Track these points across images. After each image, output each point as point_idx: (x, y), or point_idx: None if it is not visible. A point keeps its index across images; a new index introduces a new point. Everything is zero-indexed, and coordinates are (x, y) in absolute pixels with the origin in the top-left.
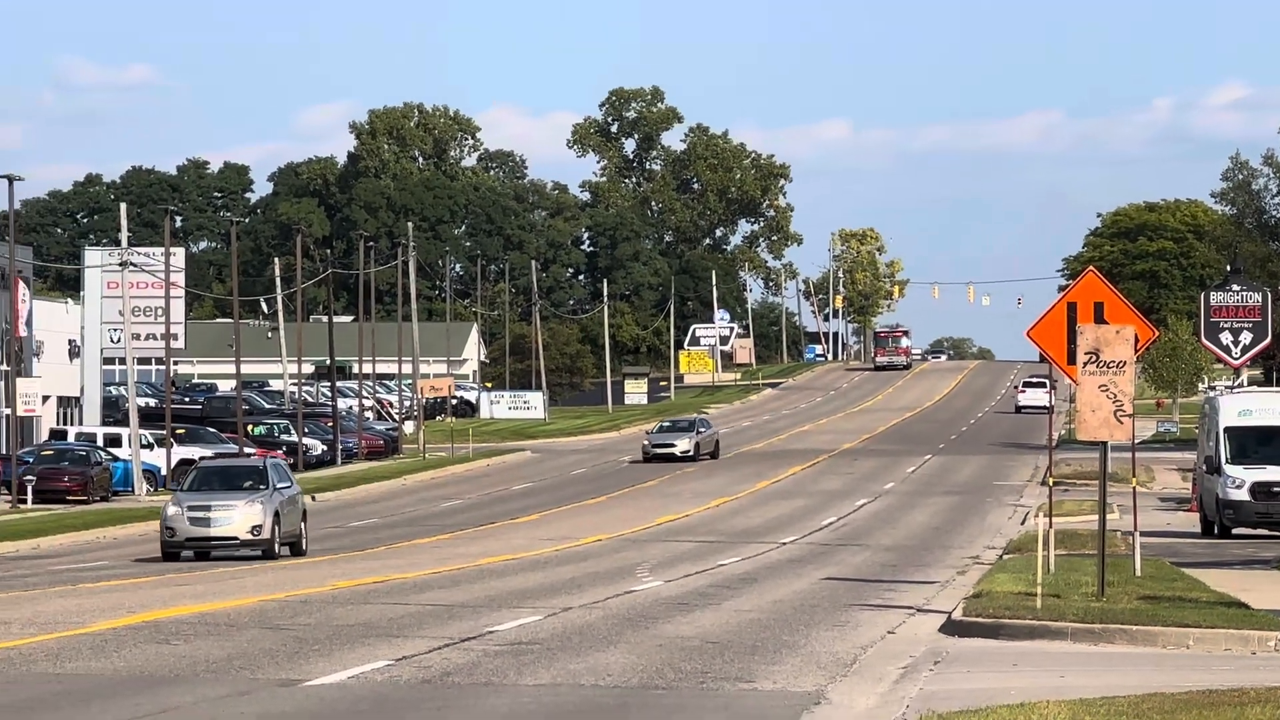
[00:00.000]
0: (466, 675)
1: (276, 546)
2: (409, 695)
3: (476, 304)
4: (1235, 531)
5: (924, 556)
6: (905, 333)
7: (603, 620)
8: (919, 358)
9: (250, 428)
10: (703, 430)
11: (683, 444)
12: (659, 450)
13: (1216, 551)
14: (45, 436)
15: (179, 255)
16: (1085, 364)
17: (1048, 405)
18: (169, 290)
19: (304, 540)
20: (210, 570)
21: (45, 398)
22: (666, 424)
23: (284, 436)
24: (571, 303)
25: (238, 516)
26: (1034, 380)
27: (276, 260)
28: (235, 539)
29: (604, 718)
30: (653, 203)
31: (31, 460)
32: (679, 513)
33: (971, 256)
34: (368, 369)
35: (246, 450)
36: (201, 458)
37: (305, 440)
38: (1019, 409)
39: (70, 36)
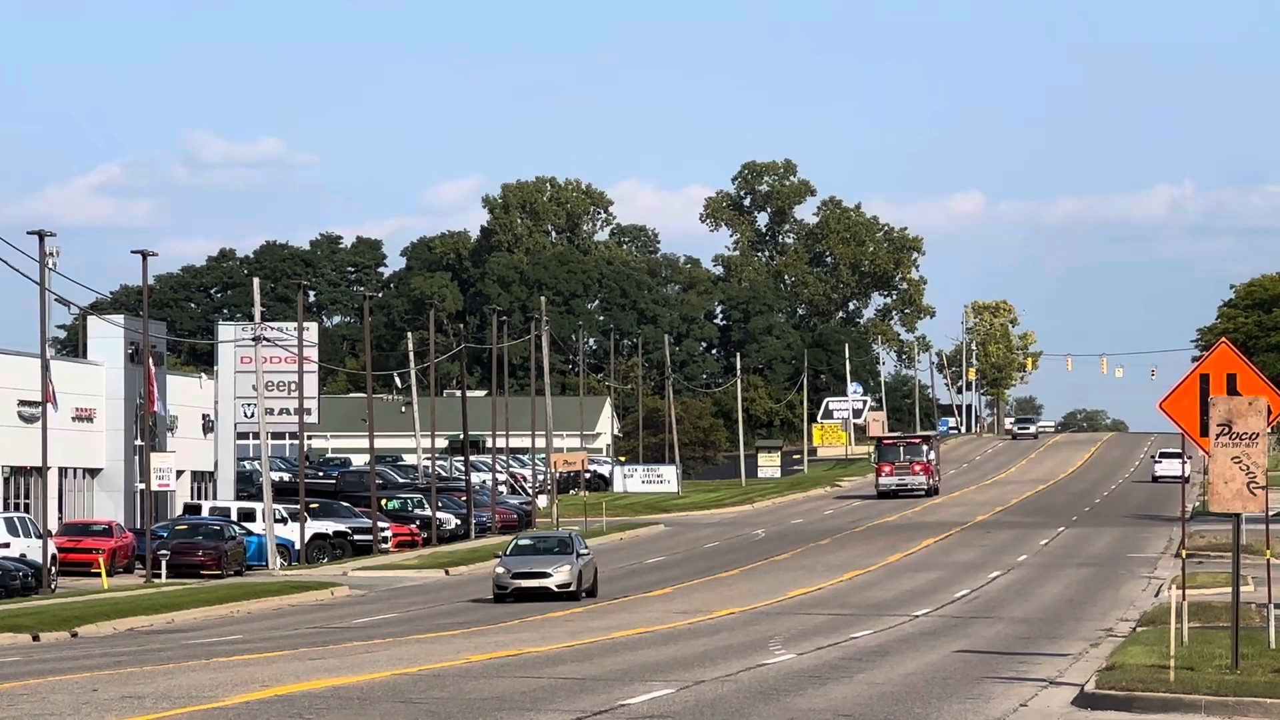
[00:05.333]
0: None
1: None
2: None
3: (610, 378)
4: None
5: (1057, 629)
6: (927, 440)
7: (734, 693)
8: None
9: (384, 502)
10: (583, 553)
11: (559, 575)
12: (523, 585)
13: None
14: (180, 511)
15: (312, 330)
16: (1218, 435)
17: (1183, 474)
18: (302, 365)
19: None
20: (343, 644)
21: (180, 472)
22: (525, 542)
23: (418, 510)
24: (704, 376)
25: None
26: (1170, 451)
27: (409, 335)
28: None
29: None
30: (785, 276)
31: (166, 535)
32: (812, 586)
33: (1104, 328)
34: (501, 443)
35: (380, 524)
36: (335, 532)
37: (439, 514)
38: (1155, 479)
39: (199, 111)
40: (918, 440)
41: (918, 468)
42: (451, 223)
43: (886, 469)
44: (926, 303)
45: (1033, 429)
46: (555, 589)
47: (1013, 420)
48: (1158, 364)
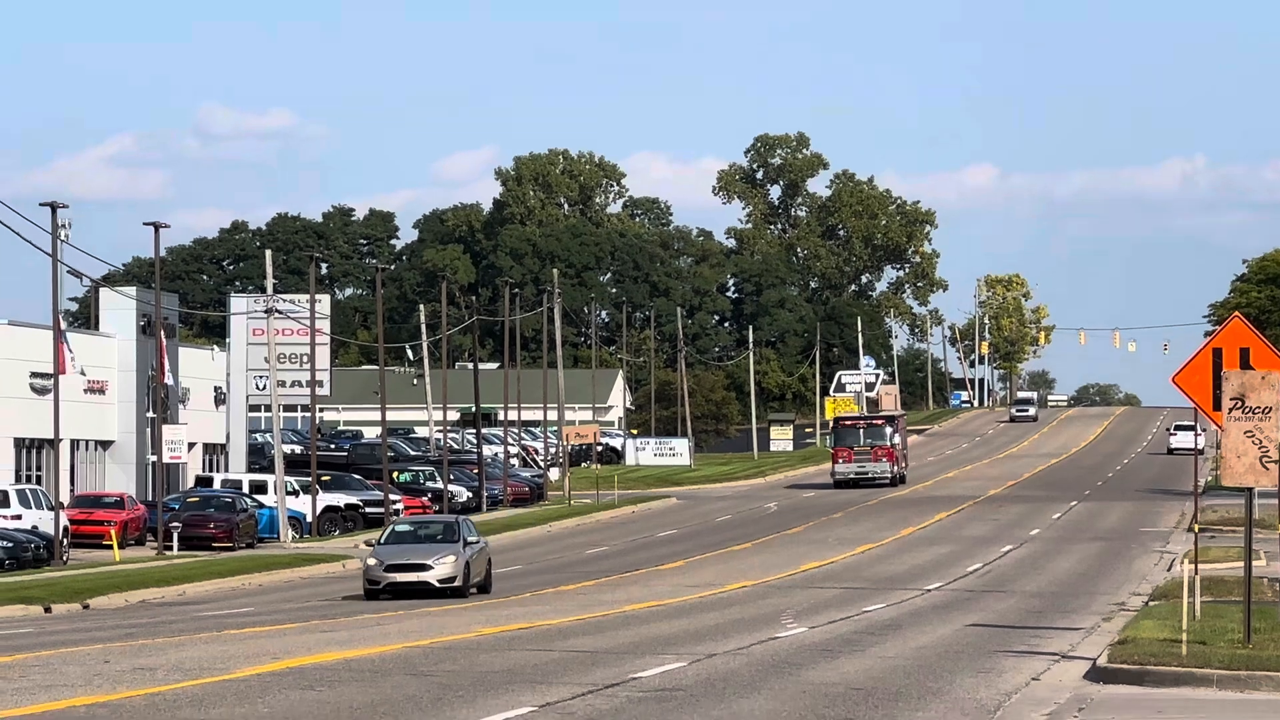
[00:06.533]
0: None
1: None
2: None
3: (622, 350)
4: None
5: (1069, 603)
6: (891, 421)
7: (746, 666)
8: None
9: (395, 474)
10: (471, 541)
11: (442, 567)
12: (398, 579)
13: None
14: (191, 483)
15: (324, 302)
16: (1231, 410)
17: (1196, 448)
18: (314, 337)
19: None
20: (355, 617)
21: (191, 445)
22: (403, 528)
23: (429, 483)
24: (717, 349)
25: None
26: (1185, 424)
27: (422, 307)
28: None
29: None
30: (798, 249)
31: (178, 507)
32: (824, 559)
33: (1117, 302)
34: (513, 416)
35: (392, 497)
36: (347, 504)
37: (451, 487)
38: (1170, 451)
39: (209, 83)
40: (880, 422)
41: (880, 453)
42: (464, 195)
43: (844, 455)
44: (939, 276)
45: (1032, 410)
46: (437, 584)
47: (1012, 402)
48: (1170, 338)
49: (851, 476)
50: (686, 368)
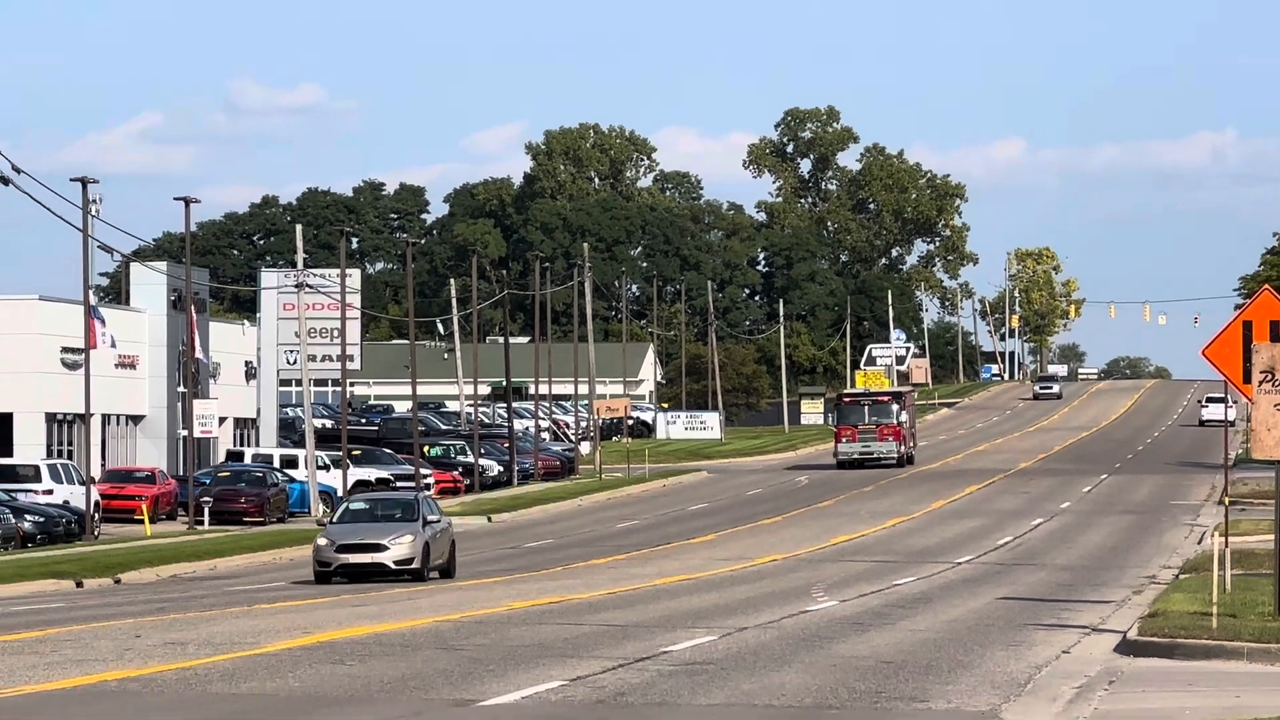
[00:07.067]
0: (640, 695)
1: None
2: (582, 715)
3: (653, 324)
4: None
5: (1100, 576)
6: (897, 398)
7: (777, 640)
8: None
9: (426, 449)
10: (432, 520)
11: (398, 548)
12: (350, 560)
13: None
14: (222, 458)
15: (355, 276)
16: (1261, 382)
17: (1228, 419)
18: (345, 311)
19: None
20: (386, 591)
21: (222, 419)
22: (359, 505)
23: (460, 457)
24: (747, 323)
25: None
26: (1216, 397)
27: (453, 281)
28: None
29: None
30: (828, 223)
31: (208, 482)
32: (854, 532)
33: (1147, 275)
34: (544, 390)
35: (422, 471)
36: (378, 479)
37: (482, 461)
38: (1202, 423)
39: (238, 58)
40: (886, 399)
41: (886, 431)
42: (494, 169)
43: (847, 434)
44: (969, 249)
45: (1056, 388)
46: (392, 565)
47: (1035, 380)
48: (1200, 311)
49: (855, 457)
50: (717, 341)
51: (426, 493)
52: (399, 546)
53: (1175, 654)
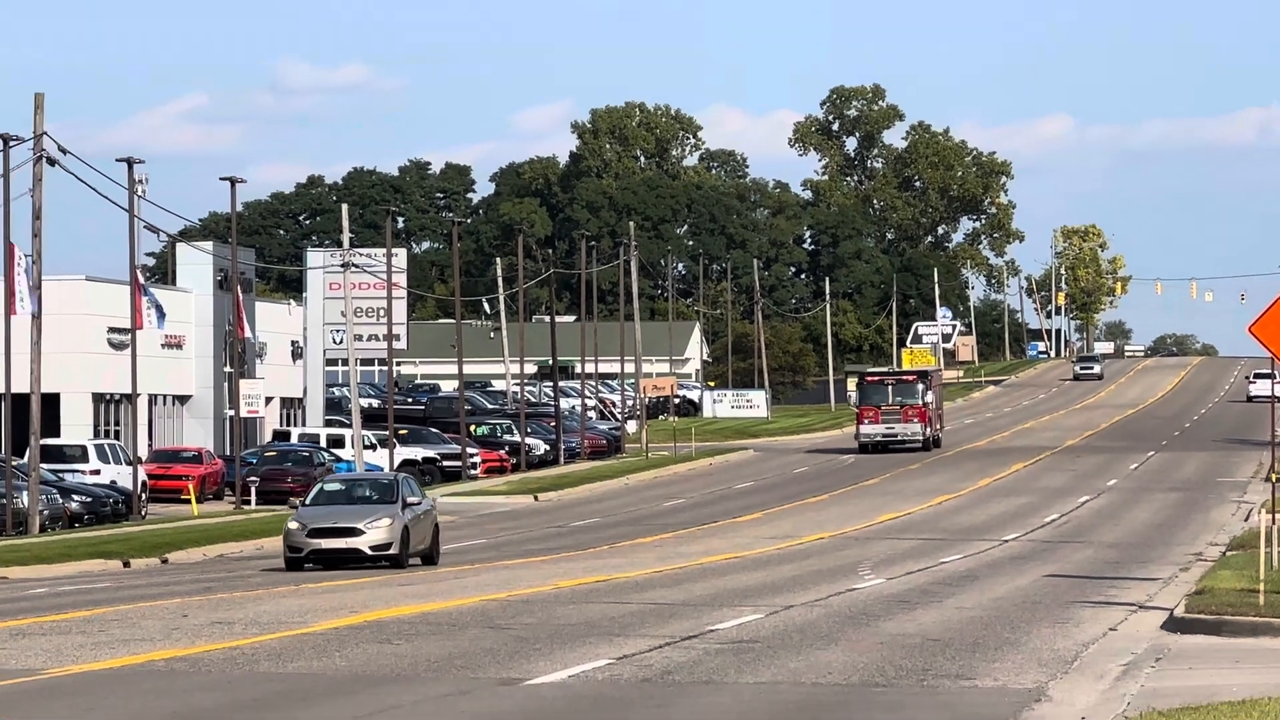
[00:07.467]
0: (687, 673)
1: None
2: (629, 694)
3: (699, 303)
4: None
5: (1146, 553)
6: (923, 377)
7: (824, 618)
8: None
9: (473, 428)
10: (412, 502)
11: (375, 532)
12: (323, 546)
13: None
14: (269, 438)
15: (401, 256)
16: None
17: (1276, 395)
18: (391, 291)
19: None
20: (432, 570)
21: (268, 399)
22: (334, 487)
23: (507, 436)
24: (794, 301)
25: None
26: (1264, 373)
27: (498, 260)
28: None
29: (824, 715)
30: (874, 201)
31: (255, 461)
32: (901, 510)
33: (1193, 252)
34: (590, 368)
35: (469, 450)
36: (424, 458)
37: (528, 440)
38: (1250, 398)
39: (283, 38)
40: (911, 378)
41: (911, 413)
42: (540, 148)
43: (869, 415)
44: (1015, 227)
45: (1097, 368)
46: (369, 551)
47: (1075, 360)
48: (1247, 288)
49: (878, 439)
50: (763, 319)
51: (408, 475)
52: (376, 531)
53: (1222, 631)
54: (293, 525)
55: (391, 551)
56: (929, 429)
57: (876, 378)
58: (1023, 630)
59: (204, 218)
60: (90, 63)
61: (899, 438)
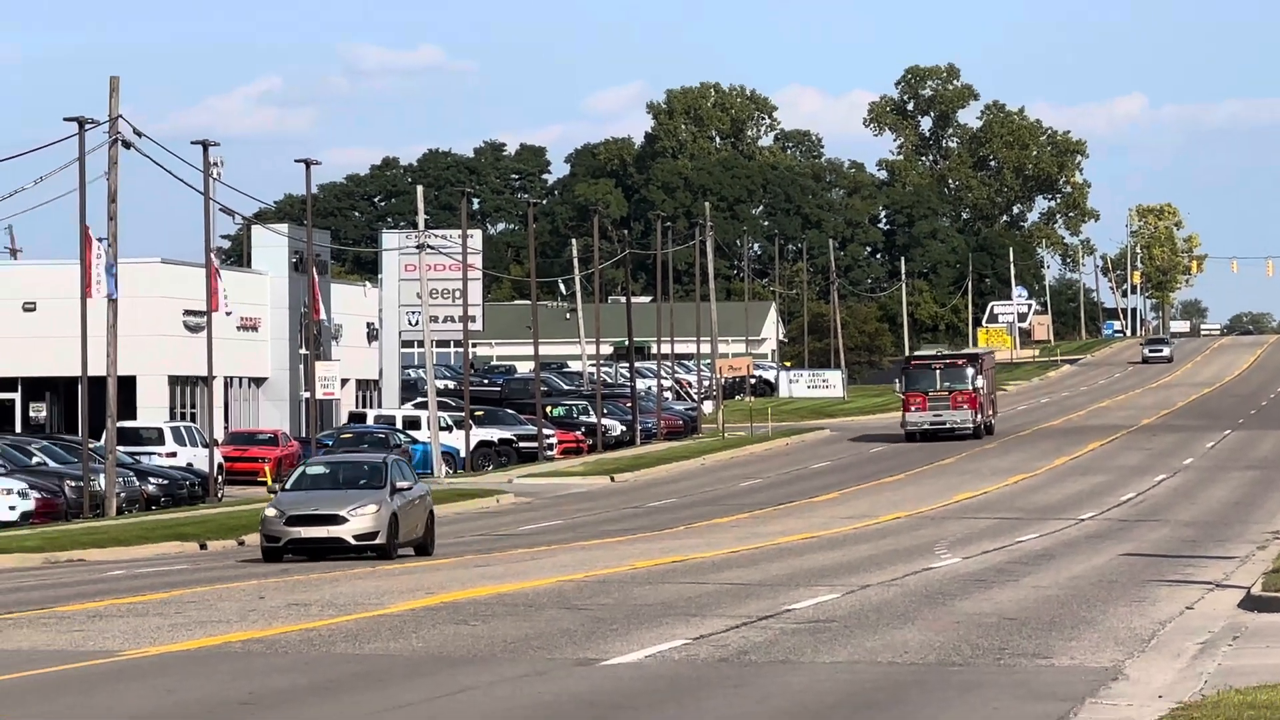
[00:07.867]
0: (763, 653)
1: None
2: (705, 674)
3: (774, 283)
4: None
5: (1223, 532)
6: (973, 361)
7: (900, 597)
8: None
9: (549, 409)
10: (402, 487)
11: (359, 520)
12: (302, 535)
13: None
14: (344, 419)
15: (476, 237)
16: None
17: None
18: (466, 272)
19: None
20: (509, 552)
21: (344, 381)
22: (316, 470)
23: (583, 417)
24: (869, 281)
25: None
26: None
27: (574, 241)
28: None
29: (900, 694)
30: (949, 180)
31: (331, 443)
32: (977, 490)
33: (1270, 230)
34: (666, 349)
35: (545, 431)
36: (500, 439)
37: (604, 421)
38: None
39: (356, 21)
40: (960, 362)
41: (960, 399)
42: (615, 129)
43: (916, 401)
44: (1091, 206)
45: (1166, 351)
46: (352, 540)
47: (1144, 343)
48: None
49: (925, 427)
50: (839, 299)
51: (401, 457)
52: (360, 519)
53: None
54: (270, 512)
55: (378, 541)
56: (979, 415)
57: (923, 362)
58: (1099, 609)
59: (279, 200)
60: (164, 46)
61: (947, 425)
